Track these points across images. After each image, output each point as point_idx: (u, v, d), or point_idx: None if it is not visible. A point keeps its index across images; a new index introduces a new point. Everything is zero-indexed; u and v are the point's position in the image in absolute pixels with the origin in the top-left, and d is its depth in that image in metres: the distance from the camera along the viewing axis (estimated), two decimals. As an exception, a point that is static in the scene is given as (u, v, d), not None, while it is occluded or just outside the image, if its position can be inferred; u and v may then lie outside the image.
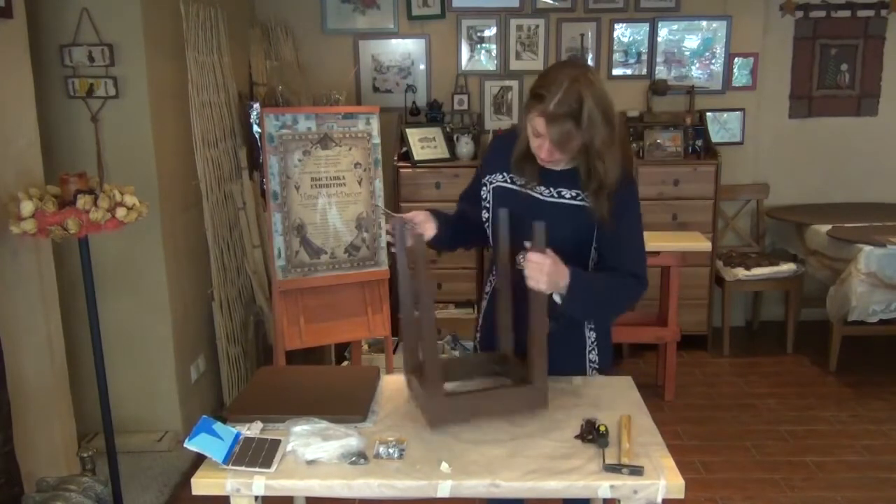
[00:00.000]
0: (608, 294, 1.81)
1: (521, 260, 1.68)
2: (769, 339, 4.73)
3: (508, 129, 2.01)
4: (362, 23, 4.60)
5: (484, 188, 1.95)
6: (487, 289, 2.08)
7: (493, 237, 1.92)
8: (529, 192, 1.86)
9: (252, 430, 1.63)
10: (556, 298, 1.73)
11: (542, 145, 1.73)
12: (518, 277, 1.74)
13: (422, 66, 4.64)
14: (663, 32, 4.62)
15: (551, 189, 1.85)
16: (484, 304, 2.09)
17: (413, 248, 1.77)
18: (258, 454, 1.54)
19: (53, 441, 2.50)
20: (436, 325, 1.92)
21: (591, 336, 1.97)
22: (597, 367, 2.01)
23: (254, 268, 3.80)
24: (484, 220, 1.95)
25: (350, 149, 3.23)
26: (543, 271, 1.65)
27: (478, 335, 2.15)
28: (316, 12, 4.57)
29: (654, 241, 3.82)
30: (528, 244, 1.66)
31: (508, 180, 1.90)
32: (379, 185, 3.31)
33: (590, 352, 1.98)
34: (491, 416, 1.70)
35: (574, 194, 1.83)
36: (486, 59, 4.65)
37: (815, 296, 4.56)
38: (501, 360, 1.91)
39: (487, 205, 1.93)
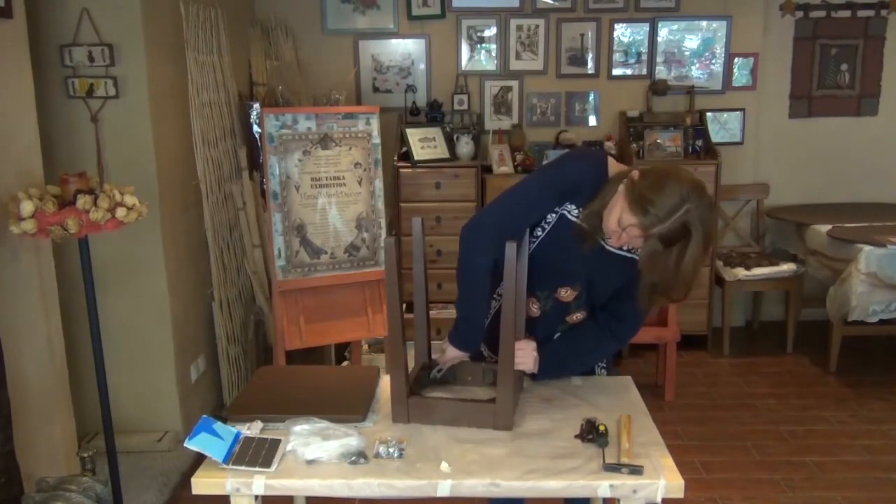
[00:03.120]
0: (583, 356, 1.92)
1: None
2: (769, 339, 4.73)
3: (596, 158, 1.78)
4: (362, 23, 4.60)
5: (553, 214, 1.78)
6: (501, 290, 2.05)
7: (539, 261, 1.81)
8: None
9: (252, 429, 1.63)
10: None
11: (621, 238, 1.64)
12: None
13: (422, 66, 4.65)
14: (663, 32, 4.62)
15: (618, 249, 1.76)
16: (494, 304, 2.00)
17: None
18: (258, 454, 1.54)
19: (53, 441, 2.50)
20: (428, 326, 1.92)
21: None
22: (605, 367, 2.03)
23: (254, 268, 3.80)
24: (533, 235, 1.81)
25: (350, 149, 3.23)
26: (529, 355, 1.79)
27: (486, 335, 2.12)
28: (316, 12, 4.57)
29: (654, 241, 3.83)
30: (511, 242, 1.63)
31: (578, 215, 1.75)
32: (379, 185, 3.31)
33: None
34: (453, 425, 1.69)
35: (630, 248, 1.75)
36: (486, 59, 4.65)
37: (815, 296, 4.55)
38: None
39: (546, 226, 1.79)
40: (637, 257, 1.69)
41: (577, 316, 1.90)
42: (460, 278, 1.81)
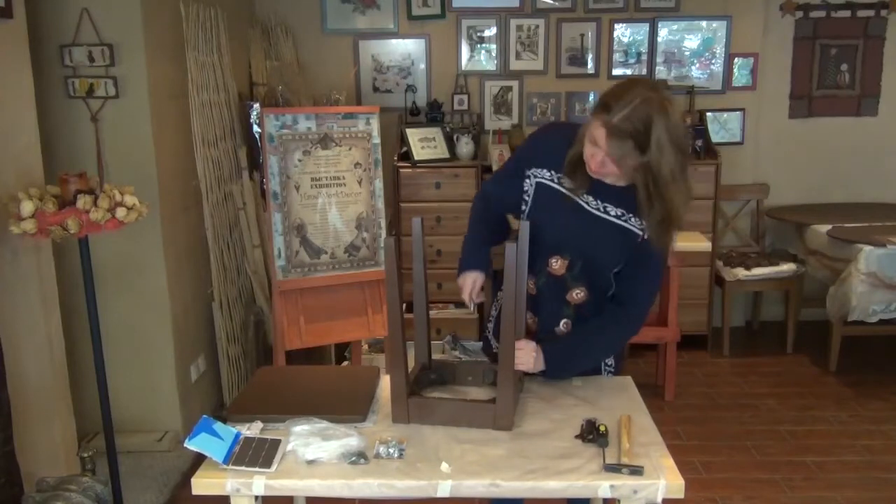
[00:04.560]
0: (590, 351, 1.91)
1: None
2: (769, 339, 4.73)
3: (564, 123, 1.97)
4: (362, 23, 4.60)
5: (527, 180, 1.85)
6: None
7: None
8: (576, 197, 1.79)
9: (252, 430, 1.63)
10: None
11: (595, 156, 1.67)
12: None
13: (422, 66, 4.64)
14: (663, 32, 4.62)
15: (598, 201, 1.79)
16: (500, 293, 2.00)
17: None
18: (258, 454, 1.54)
19: (53, 441, 2.50)
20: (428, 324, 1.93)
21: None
22: (612, 370, 2.02)
23: (254, 268, 3.80)
24: (521, 211, 1.88)
25: (350, 149, 3.23)
26: (529, 355, 1.78)
27: (490, 325, 2.12)
28: (316, 12, 4.57)
29: (654, 241, 3.83)
30: (507, 244, 1.65)
31: (555, 180, 1.81)
32: (379, 185, 3.31)
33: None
34: (453, 425, 1.69)
35: (619, 213, 1.78)
36: (486, 59, 4.64)
37: (815, 296, 4.55)
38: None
39: (527, 198, 1.85)
40: (628, 226, 1.77)
41: (577, 294, 1.87)
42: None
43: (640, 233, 1.79)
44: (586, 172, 1.75)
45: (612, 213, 1.79)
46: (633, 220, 1.78)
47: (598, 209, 1.79)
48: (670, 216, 1.70)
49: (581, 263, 1.83)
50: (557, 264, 1.85)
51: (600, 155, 1.65)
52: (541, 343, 1.85)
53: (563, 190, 1.80)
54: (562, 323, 1.91)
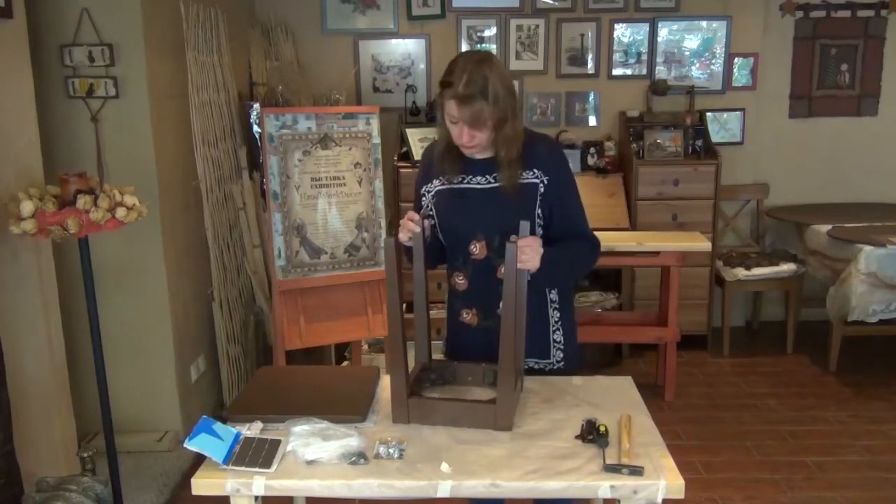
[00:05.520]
0: (573, 263, 1.94)
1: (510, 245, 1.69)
2: (769, 339, 4.73)
3: (431, 142, 2.09)
4: (362, 23, 4.60)
5: (424, 198, 1.99)
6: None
7: (445, 240, 1.97)
8: (466, 185, 1.91)
9: (252, 430, 1.63)
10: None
11: (461, 129, 1.81)
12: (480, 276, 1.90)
13: (422, 66, 4.64)
14: (663, 32, 4.62)
15: (487, 176, 1.91)
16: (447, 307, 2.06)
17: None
18: (258, 454, 1.54)
19: (53, 441, 2.50)
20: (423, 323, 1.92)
21: (554, 315, 1.98)
22: (561, 347, 2.00)
23: (254, 268, 3.80)
24: (431, 226, 1.94)
25: (350, 149, 3.23)
26: (536, 252, 1.75)
27: (446, 339, 2.11)
28: (316, 12, 4.57)
29: (654, 241, 3.83)
30: (514, 237, 1.67)
31: (444, 182, 1.94)
32: (379, 185, 3.31)
33: (554, 331, 1.99)
34: (453, 426, 1.68)
35: (516, 174, 1.89)
36: (486, 59, 4.64)
37: (815, 296, 4.55)
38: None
39: (431, 212, 1.96)
40: (522, 181, 1.86)
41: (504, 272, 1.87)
42: None
43: (537, 181, 1.88)
44: (455, 159, 1.91)
45: (469, 145, 1.88)
46: (523, 174, 1.88)
47: (489, 183, 1.90)
48: (511, 145, 1.84)
49: (498, 238, 1.86)
50: (477, 248, 1.91)
51: (464, 127, 1.80)
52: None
53: (454, 185, 1.93)
54: (501, 304, 1.90)
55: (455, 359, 1.99)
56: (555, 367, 2.00)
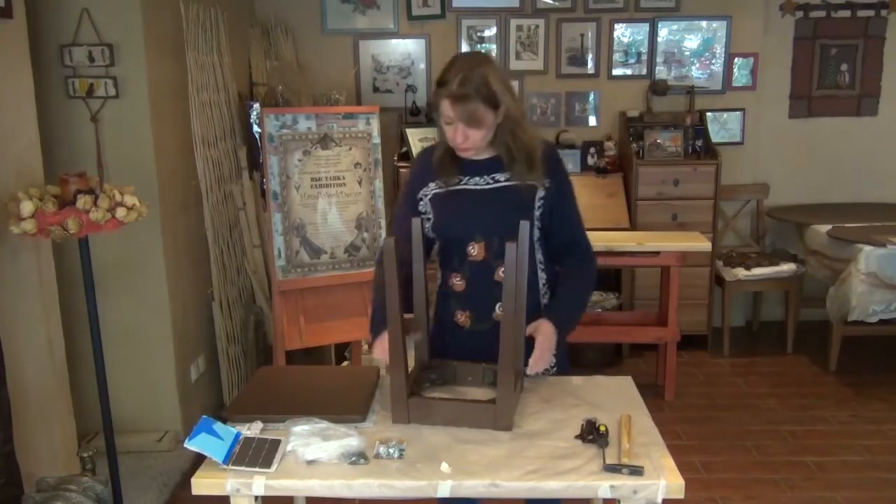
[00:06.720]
0: (584, 298, 1.98)
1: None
2: (769, 339, 4.73)
3: (429, 146, 2.06)
4: (362, 23, 4.60)
5: (421, 202, 1.95)
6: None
7: (441, 241, 1.96)
8: (464, 186, 1.90)
9: (252, 430, 1.63)
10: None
11: (456, 129, 1.79)
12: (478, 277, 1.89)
13: (422, 66, 4.64)
14: (663, 32, 4.62)
15: (485, 177, 1.90)
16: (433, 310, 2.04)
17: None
18: (258, 454, 1.54)
19: (53, 441, 2.50)
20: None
21: (542, 277, 1.97)
22: (554, 353, 1.95)
23: (254, 268, 3.80)
24: (426, 230, 1.93)
25: (350, 149, 3.23)
26: (549, 353, 1.82)
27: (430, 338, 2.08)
28: (316, 12, 4.57)
29: (654, 241, 3.83)
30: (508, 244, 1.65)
31: (442, 185, 1.92)
32: (379, 185, 3.31)
33: (543, 295, 1.97)
34: (453, 426, 1.68)
35: (507, 177, 1.89)
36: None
37: (815, 296, 4.55)
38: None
39: (429, 216, 1.93)
40: (513, 184, 1.86)
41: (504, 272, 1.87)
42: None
43: (537, 184, 1.87)
44: (454, 162, 1.89)
45: (502, 178, 1.89)
46: (521, 176, 1.88)
47: (488, 183, 1.89)
48: (531, 155, 1.85)
49: (497, 239, 1.86)
50: (476, 250, 1.90)
51: (459, 127, 1.78)
52: (543, 315, 1.87)
53: (451, 187, 1.90)
54: (497, 307, 1.90)
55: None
56: (550, 373, 1.98)
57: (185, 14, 3.27)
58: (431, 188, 1.94)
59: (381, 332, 1.83)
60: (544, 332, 1.84)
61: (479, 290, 1.93)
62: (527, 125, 1.86)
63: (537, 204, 1.88)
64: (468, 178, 1.91)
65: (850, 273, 3.88)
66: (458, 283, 1.95)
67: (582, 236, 1.98)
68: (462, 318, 1.97)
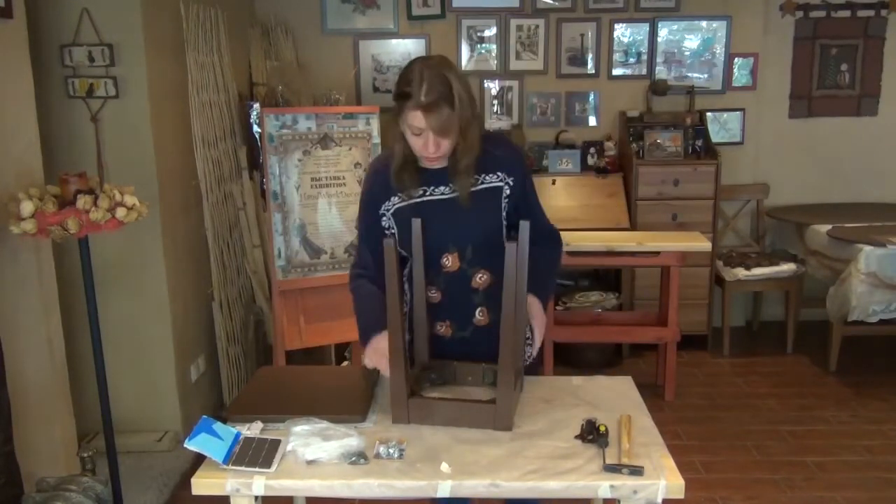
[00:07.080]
0: (552, 273, 2.02)
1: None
2: (769, 339, 4.73)
3: (374, 160, 2.02)
4: (362, 23, 4.60)
5: (384, 219, 1.89)
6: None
7: (412, 253, 1.86)
8: (429, 198, 1.84)
9: (252, 430, 1.63)
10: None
11: (427, 139, 1.73)
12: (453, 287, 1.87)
13: (422, 66, 4.64)
14: (663, 32, 4.62)
15: (447, 186, 1.84)
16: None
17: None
18: (258, 454, 1.54)
19: (53, 441, 2.50)
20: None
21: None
22: (530, 343, 1.96)
23: (254, 268, 3.80)
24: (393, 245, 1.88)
25: (350, 149, 3.23)
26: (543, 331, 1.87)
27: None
28: (316, 12, 4.57)
29: (654, 241, 3.83)
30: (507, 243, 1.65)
31: (404, 198, 1.86)
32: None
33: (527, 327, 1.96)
34: (453, 426, 1.68)
35: (472, 181, 1.84)
36: (486, 59, 4.64)
37: (815, 296, 4.55)
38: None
39: (393, 230, 1.88)
40: (486, 186, 1.83)
41: (481, 278, 1.87)
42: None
43: (502, 183, 1.85)
44: (412, 173, 1.82)
45: (432, 154, 1.82)
46: (486, 178, 1.84)
47: (453, 192, 1.84)
48: (469, 160, 1.79)
49: (471, 247, 1.85)
50: (450, 261, 1.86)
51: (430, 135, 1.71)
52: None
53: (414, 200, 1.84)
54: (477, 312, 1.90)
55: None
56: (527, 363, 1.97)
57: (185, 14, 3.27)
58: (394, 202, 1.87)
59: (371, 337, 1.82)
60: (538, 317, 1.87)
61: (457, 299, 1.90)
62: (477, 127, 1.80)
63: (503, 204, 1.86)
64: (431, 188, 1.85)
65: (850, 273, 3.88)
66: (433, 295, 1.90)
67: (545, 219, 1.99)
68: (442, 328, 1.93)
